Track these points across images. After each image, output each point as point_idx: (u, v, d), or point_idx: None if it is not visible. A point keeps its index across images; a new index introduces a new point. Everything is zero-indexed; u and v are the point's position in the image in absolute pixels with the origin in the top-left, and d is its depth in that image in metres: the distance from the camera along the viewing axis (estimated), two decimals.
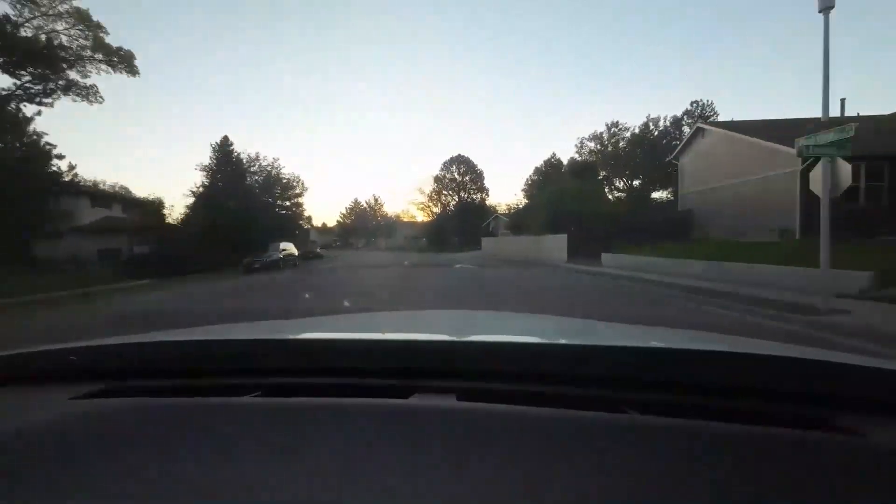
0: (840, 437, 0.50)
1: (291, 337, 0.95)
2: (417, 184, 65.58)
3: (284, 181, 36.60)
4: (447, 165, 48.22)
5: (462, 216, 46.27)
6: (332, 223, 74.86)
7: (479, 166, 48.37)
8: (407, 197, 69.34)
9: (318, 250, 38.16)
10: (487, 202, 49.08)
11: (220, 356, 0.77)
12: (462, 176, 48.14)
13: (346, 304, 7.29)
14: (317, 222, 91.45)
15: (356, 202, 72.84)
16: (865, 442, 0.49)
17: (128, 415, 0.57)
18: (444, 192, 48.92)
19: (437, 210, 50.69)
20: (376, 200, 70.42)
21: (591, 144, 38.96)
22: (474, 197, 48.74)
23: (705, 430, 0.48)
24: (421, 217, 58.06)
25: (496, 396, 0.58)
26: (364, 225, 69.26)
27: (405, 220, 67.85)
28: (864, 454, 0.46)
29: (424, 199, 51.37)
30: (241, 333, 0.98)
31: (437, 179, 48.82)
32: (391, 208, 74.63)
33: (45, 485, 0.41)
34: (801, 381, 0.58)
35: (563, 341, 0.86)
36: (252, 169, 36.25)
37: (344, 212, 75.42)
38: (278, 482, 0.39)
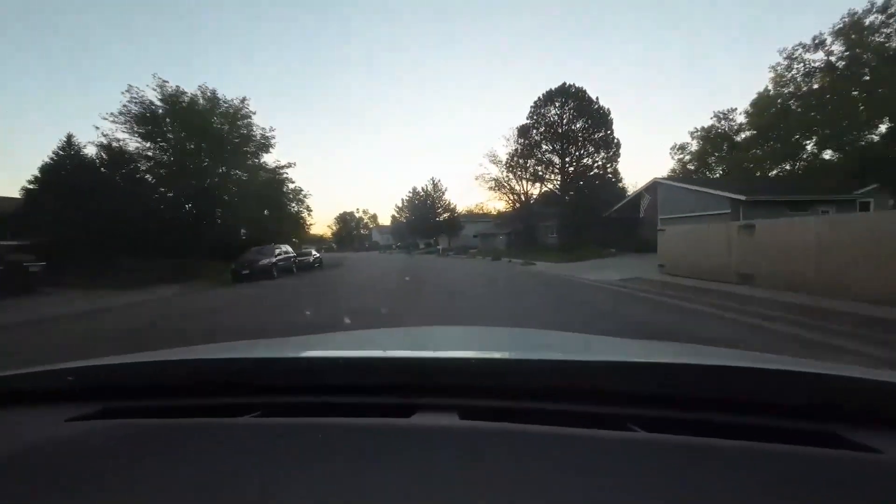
0: (854, 453, 0.48)
1: (291, 355, 0.95)
2: (493, 146, 44.31)
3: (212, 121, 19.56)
4: (541, 106, 27.35)
5: (574, 196, 25.13)
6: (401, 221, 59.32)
7: (599, 101, 26.41)
8: (478, 170, 48.25)
9: (312, 256, 21.78)
10: (619, 168, 26.84)
11: (219, 375, 0.75)
12: (569, 122, 26.73)
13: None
14: (383, 221, 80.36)
15: (414, 191, 55.93)
16: (881, 458, 0.47)
17: (125, 436, 0.56)
18: (537, 151, 27.89)
19: (521, 188, 29.85)
20: (436, 186, 52.45)
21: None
22: (589, 161, 26.86)
23: (712, 447, 0.47)
24: (496, 203, 37.92)
25: (499, 414, 0.58)
26: (424, 220, 51.78)
27: (476, 211, 48.99)
28: (881, 470, 0.45)
29: (499, 171, 30.67)
30: (241, 352, 0.97)
31: (523, 132, 28.12)
32: (465, 202, 55.84)
33: None
34: (810, 396, 0.57)
35: (566, 357, 0.84)
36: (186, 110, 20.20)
37: (399, 205, 59.24)
38: None
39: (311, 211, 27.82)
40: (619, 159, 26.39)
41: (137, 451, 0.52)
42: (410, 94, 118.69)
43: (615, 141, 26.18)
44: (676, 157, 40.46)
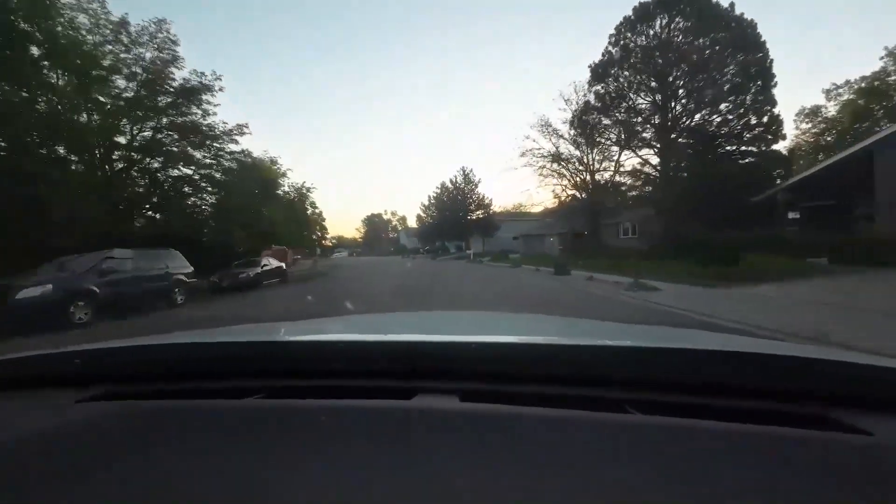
0: (846, 436, 0.49)
1: (294, 339, 0.97)
2: (544, 113, 24.77)
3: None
4: (631, 27, 17.08)
5: (695, 166, 14.88)
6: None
7: (735, 8, 15.67)
8: (522, 144, 26.88)
9: (257, 270, 13.42)
10: (779, 116, 15.66)
11: (224, 358, 0.77)
12: (680, 45, 16.14)
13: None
14: (412, 223, 72.68)
15: (443, 187, 46.84)
16: (874, 441, 0.48)
17: (133, 417, 0.58)
18: (623, 102, 17.54)
19: (589, 162, 19.76)
20: (467, 177, 42.98)
21: None
22: (720, 108, 16.15)
23: (707, 429, 0.48)
24: (549, 188, 27.90)
25: (499, 397, 0.58)
26: (454, 219, 42.52)
27: (514, 209, 39.50)
28: (872, 453, 0.46)
29: (553, 145, 20.67)
30: (246, 336, 0.99)
31: (598, 74, 17.71)
32: (499, 201, 45.99)
33: (53, 488, 0.42)
34: (803, 380, 0.58)
35: (565, 341, 0.86)
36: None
37: (426, 203, 50.35)
38: (283, 484, 0.40)
39: (315, 207, 21.58)
40: (776, 104, 15.44)
41: (144, 432, 0.53)
42: (443, 84, 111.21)
43: (769, 70, 15.31)
44: (802, 127, 28.23)
